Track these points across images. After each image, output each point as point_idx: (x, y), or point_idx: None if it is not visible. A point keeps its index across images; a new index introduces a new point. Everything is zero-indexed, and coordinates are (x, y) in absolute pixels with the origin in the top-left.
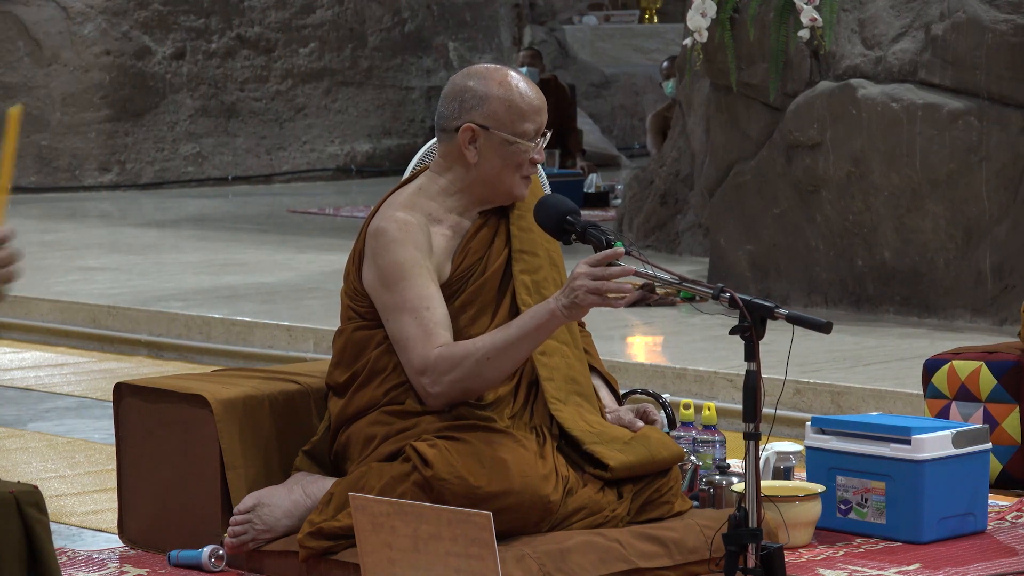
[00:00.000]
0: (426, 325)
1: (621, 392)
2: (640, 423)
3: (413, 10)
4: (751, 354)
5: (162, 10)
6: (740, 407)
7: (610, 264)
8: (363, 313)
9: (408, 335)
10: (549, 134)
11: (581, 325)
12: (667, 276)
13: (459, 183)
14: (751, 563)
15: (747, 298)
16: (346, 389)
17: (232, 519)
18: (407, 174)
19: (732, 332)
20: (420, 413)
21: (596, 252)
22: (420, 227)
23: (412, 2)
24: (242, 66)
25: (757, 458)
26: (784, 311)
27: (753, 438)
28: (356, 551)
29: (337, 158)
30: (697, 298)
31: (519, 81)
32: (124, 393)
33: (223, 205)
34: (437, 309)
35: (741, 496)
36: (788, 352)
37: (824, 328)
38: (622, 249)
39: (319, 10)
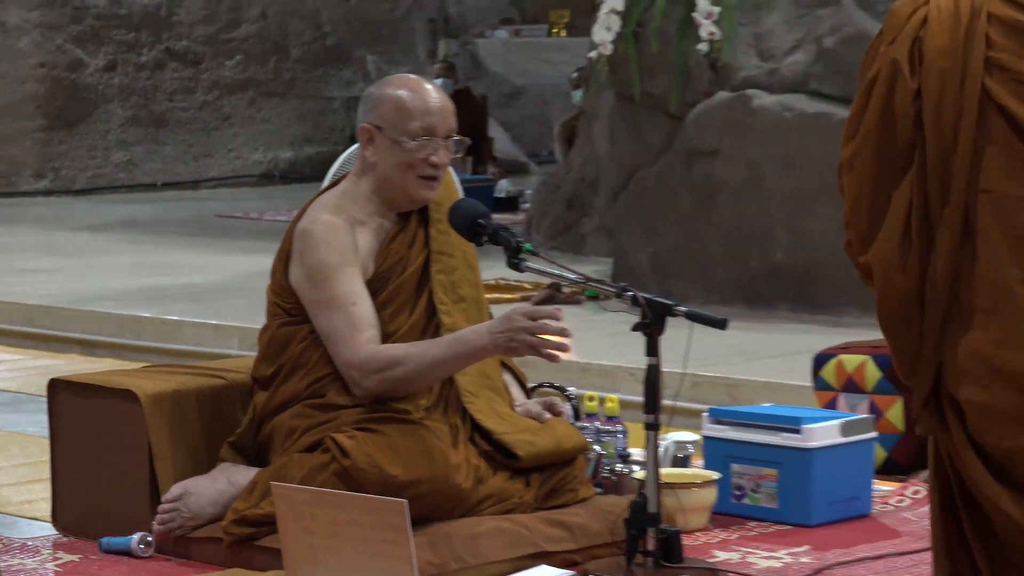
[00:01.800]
0: (354, 320)
1: (529, 386)
2: (547, 415)
3: (333, 25)
4: (652, 349)
5: (95, 24)
6: (641, 399)
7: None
8: (288, 310)
9: (337, 329)
10: (456, 139)
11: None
12: (573, 276)
13: (372, 185)
14: (651, 546)
15: (648, 296)
16: (270, 382)
17: (160, 507)
18: (327, 180)
19: (634, 329)
20: (340, 406)
21: (506, 253)
22: (345, 229)
23: (332, 17)
24: (171, 78)
25: (656, 447)
26: (683, 309)
27: (653, 428)
28: (278, 537)
29: (261, 165)
30: (601, 297)
31: (417, 85)
32: (58, 388)
33: (153, 210)
34: (364, 304)
35: (642, 483)
36: (686, 347)
37: (720, 325)
38: (561, 309)
39: (244, 24)
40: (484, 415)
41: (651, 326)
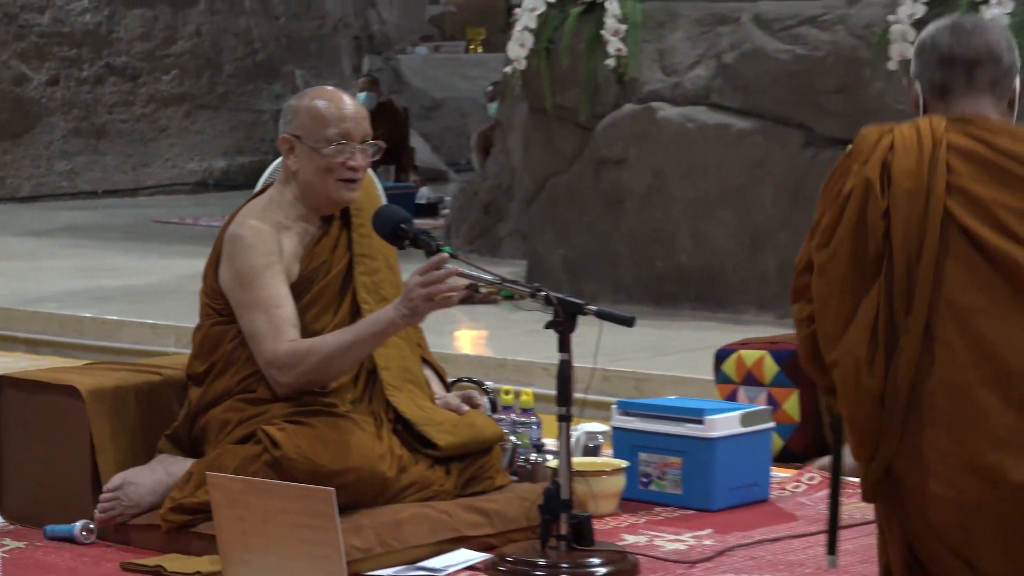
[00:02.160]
0: (276, 322)
1: (449, 380)
2: (466, 407)
3: (264, 41)
4: (564, 346)
5: (38, 41)
6: (554, 392)
7: (438, 269)
8: (219, 310)
9: (260, 330)
10: (371, 143)
11: None
12: (490, 277)
13: (296, 192)
14: (563, 530)
15: (560, 296)
16: (204, 379)
17: (101, 496)
18: (258, 188)
19: (547, 326)
20: (270, 400)
21: (428, 257)
22: (271, 234)
23: (263, 34)
24: (111, 92)
25: (568, 438)
26: (593, 308)
27: (565, 420)
28: (213, 524)
29: (196, 174)
30: (516, 297)
31: (331, 94)
32: (4, 385)
33: (94, 216)
34: (286, 307)
35: (555, 471)
36: (596, 344)
37: (628, 322)
38: (446, 254)
39: (180, 41)
40: (406, 407)
41: (563, 324)
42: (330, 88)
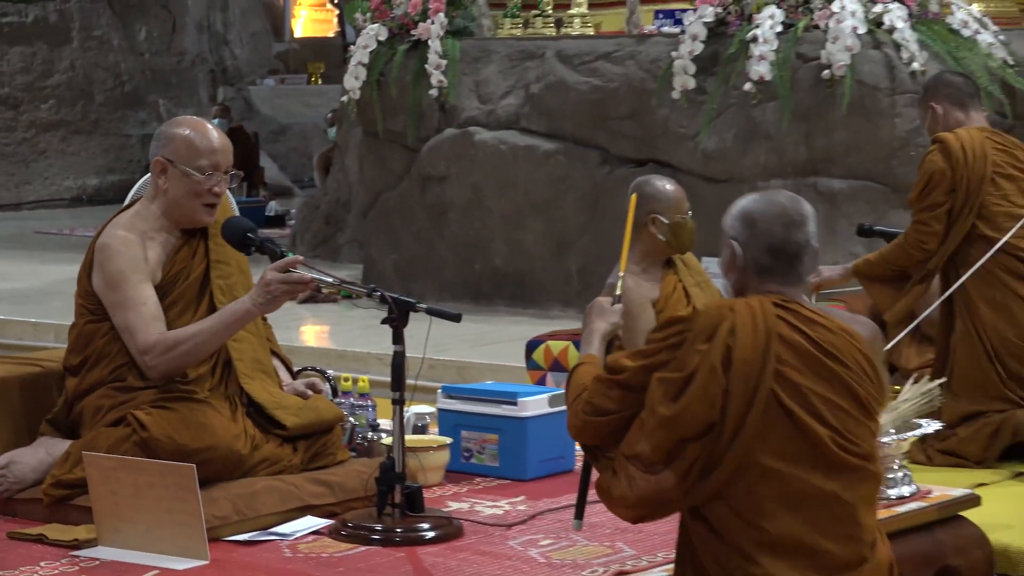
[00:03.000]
0: (144, 316)
1: (295, 369)
2: (310, 393)
3: (131, 74)
4: (398, 338)
5: None
6: (388, 379)
7: (292, 268)
8: (92, 310)
9: (131, 324)
10: (233, 173)
11: (264, 319)
12: (331, 279)
13: (162, 208)
14: (398, 499)
15: (394, 296)
16: (79, 370)
17: None
18: (127, 202)
19: (383, 322)
20: (138, 388)
21: (272, 261)
22: (137, 242)
23: (129, 68)
24: None
25: (402, 419)
26: (424, 306)
27: (399, 404)
28: (89, 497)
29: (72, 190)
30: (354, 296)
31: (204, 128)
32: None
33: None
34: (151, 304)
35: (389, 448)
36: (426, 337)
37: (455, 318)
38: (300, 257)
39: (56, 74)
40: (257, 393)
41: (397, 320)
42: (200, 120)
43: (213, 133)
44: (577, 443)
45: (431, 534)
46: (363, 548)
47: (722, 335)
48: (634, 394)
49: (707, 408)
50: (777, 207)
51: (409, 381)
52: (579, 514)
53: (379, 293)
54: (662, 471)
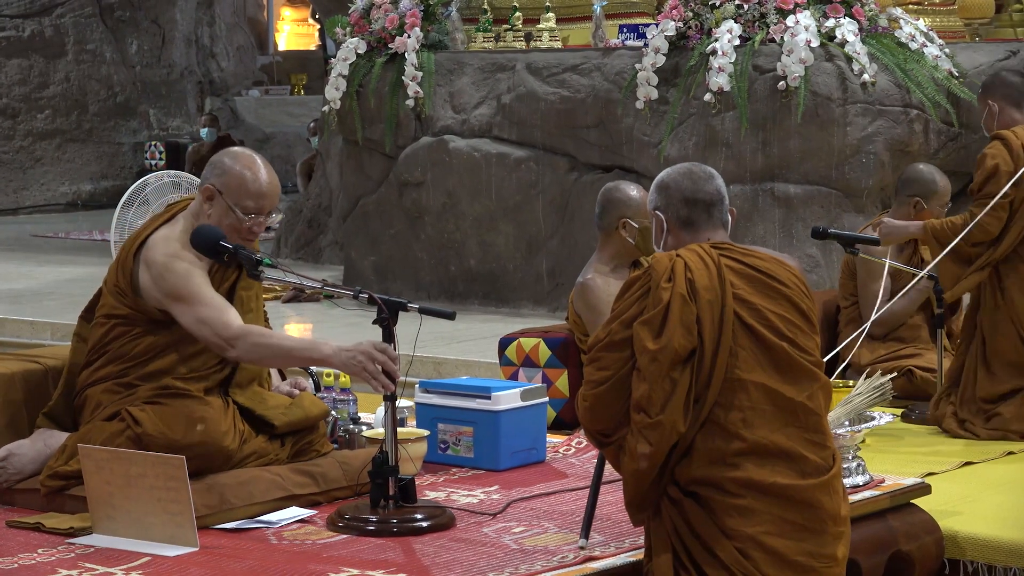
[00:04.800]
0: (220, 308)
1: None
2: (297, 392)
3: (123, 86)
4: (388, 337)
5: None
6: None
7: (392, 359)
8: (126, 316)
9: (208, 318)
10: (275, 215)
11: (266, 318)
12: (319, 285)
13: None
14: (392, 491)
15: (383, 296)
16: (93, 362)
17: None
18: (119, 204)
19: (375, 322)
20: (138, 385)
21: (247, 266)
22: (188, 256)
23: (121, 80)
24: None
25: (395, 415)
26: (416, 305)
27: (391, 400)
28: (84, 488)
29: (67, 195)
30: (335, 297)
31: (258, 169)
32: None
33: None
34: (219, 298)
35: (382, 442)
36: (416, 336)
37: (449, 316)
38: (406, 356)
39: (52, 86)
40: (246, 401)
41: (387, 320)
42: (259, 160)
43: (265, 176)
44: (591, 441)
45: (425, 523)
46: (345, 536)
47: (680, 272)
48: (620, 352)
49: (686, 334)
50: (683, 168)
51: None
52: (585, 533)
53: (367, 295)
54: (661, 416)
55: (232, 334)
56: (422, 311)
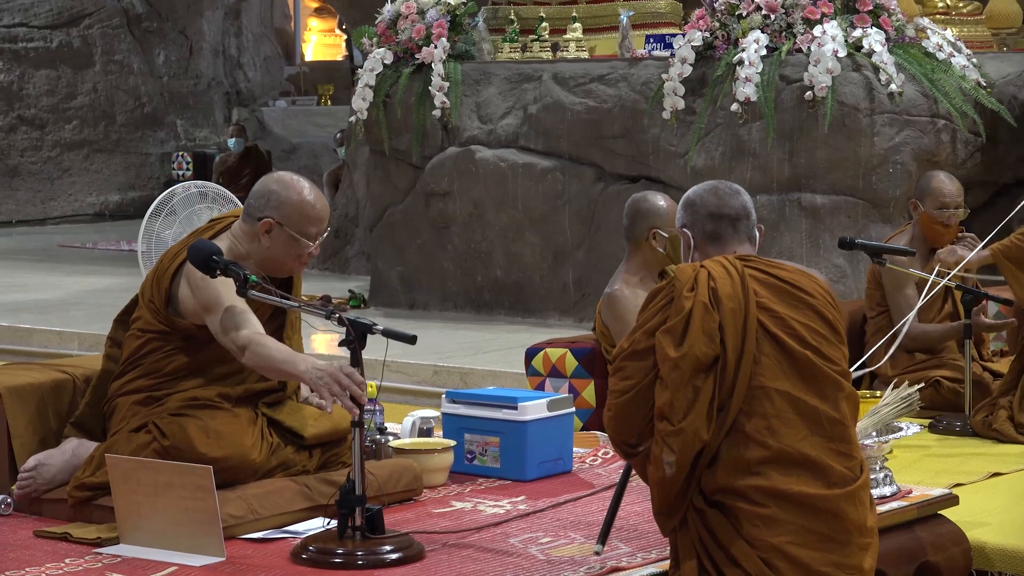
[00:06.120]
0: (239, 316)
1: None
2: (328, 406)
3: (150, 96)
4: (355, 360)
5: None
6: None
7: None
8: (161, 332)
9: (228, 325)
10: (327, 233)
11: (299, 331)
12: (292, 303)
13: (255, 257)
14: (359, 522)
15: (351, 319)
16: (125, 374)
17: (19, 476)
18: (147, 215)
19: (340, 344)
20: (166, 399)
21: (236, 283)
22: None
23: (149, 90)
24: (22, 138)
25: (362, 442)
26: (380, 328)
27: (359, 425)
28: (111, 498)
29: (94, 206)
30: (306, 313)
31: (313, 193)
32: None
33: (8, 242)
34: (249, 311)
35: (349, 470)
36: (384, 357)
37: (410, 340)
38: (374, 386)
39: (79, 96)
40: (275, 414)
41: (354, 342)
42: (310, 186)
43: (321, 201)
44: (618, 452)
45: (392, 556)
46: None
47: (703, 281)
48: (643, 361)
49: (708, 342)
50: (708, 186)
51: (412, 386)
52: (603, 539)
53: (336, 316)
54: (685, 423)
55: (242, 343)
56: (385, 334)
